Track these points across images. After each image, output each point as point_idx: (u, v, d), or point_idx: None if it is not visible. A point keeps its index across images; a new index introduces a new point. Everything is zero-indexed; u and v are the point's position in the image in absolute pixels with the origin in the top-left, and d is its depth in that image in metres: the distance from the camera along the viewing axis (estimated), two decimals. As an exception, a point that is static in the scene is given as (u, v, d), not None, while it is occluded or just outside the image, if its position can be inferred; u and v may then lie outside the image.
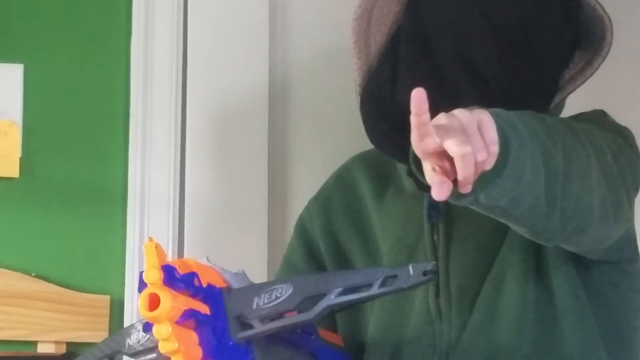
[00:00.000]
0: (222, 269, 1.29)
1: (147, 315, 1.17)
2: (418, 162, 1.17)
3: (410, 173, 1.41)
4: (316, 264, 1.57)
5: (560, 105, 1.49)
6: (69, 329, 1.96)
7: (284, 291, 1.20)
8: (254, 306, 1.21)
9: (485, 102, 1.30)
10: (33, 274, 1.99)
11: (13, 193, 2.01)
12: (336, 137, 2.10)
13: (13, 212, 2.01)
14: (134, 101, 2.05)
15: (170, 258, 2.00)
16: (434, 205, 1.43)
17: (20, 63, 2.04)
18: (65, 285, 1.99)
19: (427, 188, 1.37)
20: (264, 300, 1.21)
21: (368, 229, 1.52)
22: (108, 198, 2.04)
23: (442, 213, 1.43)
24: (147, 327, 1.26)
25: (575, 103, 1.54)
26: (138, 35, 2.07)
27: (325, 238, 1.56)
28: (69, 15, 2.07)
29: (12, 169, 2.01)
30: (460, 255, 1.42)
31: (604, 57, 1.42)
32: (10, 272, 1.98)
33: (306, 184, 2.09)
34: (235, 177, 2.05)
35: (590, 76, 1.43)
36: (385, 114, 1.43)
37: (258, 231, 2.04)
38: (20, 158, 2.02)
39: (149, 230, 2.02)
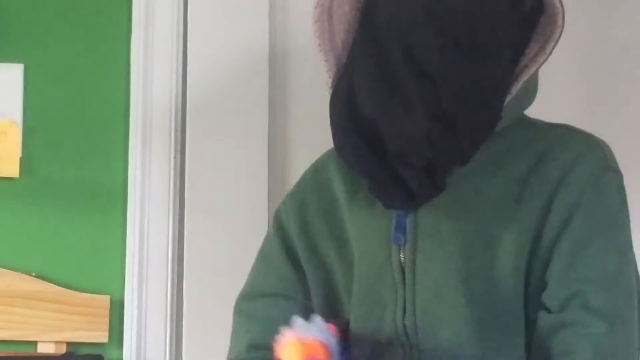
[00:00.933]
0: (325, 337, 1.32)
1: None
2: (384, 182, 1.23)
3: (372, 192, 1.41)
4: (293, 262, 1.55)
5: (526, 93, 1.44)
6: (69, 329, 1.96)
7: None
8: None
9: (433, 102, 1.31)
10: (33, 274, 1.99)
11: (13, 193, 2.01)
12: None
13: (13, 212, 2.01)
14: (134, 101, 2.05)
15: (170, 258, 2.02)
16: (400, 225, 1.41)
17: (20, 63, 2.05)
18: (65, 285, 1.99)
19: (393, 206, 1.39)
20: None
21: (343, 232, 1.50)
22: (108, 198, 2.04)
23: (409, 233, 1.41)
24: None
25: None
26: (138, 35, 2.07)
27: (302, 238, 1.54)
28: (68, 15, 2.07)
29: (12, 169, 2.01)
30: (426, 275, 1.39)
31: (556, 42, 1.38)
32: (10, 272, 1.98)
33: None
34: (235, 177, 2.05)
35: (543, 62, 1.39)
36: (350, 122, 1.40)
37: (258, 231, 2.04)
38: (20, 158, 2.02)
39: (149, 230, 2.02)
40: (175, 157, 2.05)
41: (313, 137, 2.11)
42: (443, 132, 1.32)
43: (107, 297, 1.99)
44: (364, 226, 1.46)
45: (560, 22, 1.37)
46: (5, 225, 2.01)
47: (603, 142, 1.45)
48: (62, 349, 1.96)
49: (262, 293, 1.58)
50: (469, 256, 1.37)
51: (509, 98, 1.38)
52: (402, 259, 1.41)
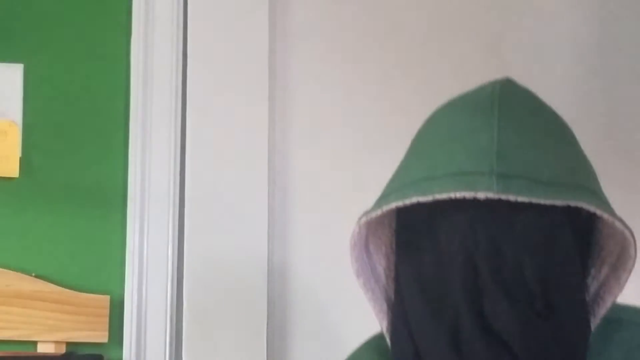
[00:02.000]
0: None
1: None
2: None
3: None
4: None
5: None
6: (69, 329, 1.96)
7: None
8: None
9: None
10: (33, 274, 1.99)
11: (13, 193, 2.01)
12: (337, 135, 2.10)
13: (13, 212, 2.01)
14: (134, 101, 2.05)
15: (170, 258, 2.03)
16: None
17: (20, 63, 2.04)
18: (65, 285, 1.99)
19: None
20: None
21: None
22: (108, 198, 2.04)
23: None
24: None
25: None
26: (138, 35, 2.07)
27: None
28: (69, 16, 2.07)
29: (12, 169, 2.01)
30: None
31: (630, 272, 1.25)
32: (10, 272, 1.98)
33: (306, 184, 2.09)
34: (235, 177, 2.05)
35: (619, 292, 1.25)
36: None
37: (258, 231, 2.04)
38: (20, 158, 2.02)
39: (149, 230, 2.02)
40: (175, 157, 2.05)
41: (313, 138, 2.11)
42: None
43: (107, 297, 1.99)
44: None
45: (632, 253, 1.23)
46: (5, 225, 2.01)
47: None
48: (62, 349, 1.96)
49: None
50: None
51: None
52: None
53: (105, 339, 1.98)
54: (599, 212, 1.19)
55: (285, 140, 2.10)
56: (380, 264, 1.32)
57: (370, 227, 1.30)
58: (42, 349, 1.95)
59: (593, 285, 1.28)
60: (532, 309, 1.18)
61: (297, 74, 2.12)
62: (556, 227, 1.20)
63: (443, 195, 1.17)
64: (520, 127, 1.22)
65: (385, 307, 1.31)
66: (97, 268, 2.02)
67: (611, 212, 1.21)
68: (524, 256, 1.18)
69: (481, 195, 1.16)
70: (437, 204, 1.20)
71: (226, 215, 2.03)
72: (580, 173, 1.23)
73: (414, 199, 1.20)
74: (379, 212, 1.24)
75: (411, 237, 1.26)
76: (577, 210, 1.21)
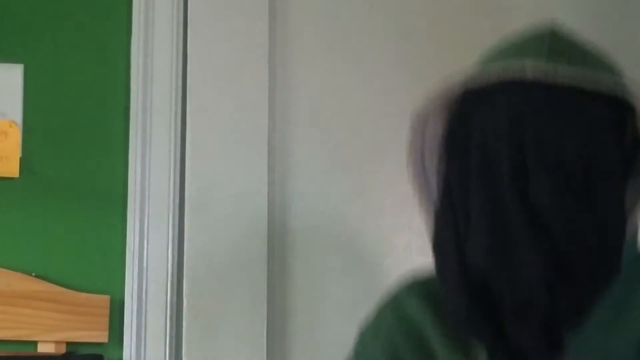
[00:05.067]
0: None
1: None
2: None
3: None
4: None
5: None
6: (69, 329, 1.96)
7: None
8: None
9: (551, 252, 1.21)
10: (33, 274, 1.99)
11: (13, 193, 2.01)
12: (337, 136, 2.10)
13: (13, 212, 2.01)
14: (134, 101, 2.05)
15: (170, 258, 2.02)
16: None
17: (20, 63, 2.04)
18: (65, 285, 1.99)
19: None
20: None
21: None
22: (108, 198, 2.03)
23: None
24: None
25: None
26: (138, 35, 2.07)
27: None
28: (69, 15, 2.07)
29: (12, 169, 2.01)
30: None
31: None
32: (10, 272, 1.98)
33: (306, 183, 2.09)
34: (235, 177, 2.05)
35: None
36: (461, 278, 1.26)
37: (258, 231, 2.04)
38: (20, 158, 2.02)
39: (149, 230, 2.02)
40: (175, 157, 2.05)
41: (314, 138, 2.11)
42: (563, 282, 1.21)
43: (107, 297, 1.99)
44: None
45: None
46: (5, 225, 2.01)
47: None
48: (62, 349, 1.96)
49: None
50: None
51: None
52: None
53: (105, 339, 1.98)
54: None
55: (285, 141, 2.10)
56: (434, 179, 1.36)
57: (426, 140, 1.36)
58: (42, 349, 1.95)
59: (633, 197, 1.29)
60: (573, 193, 1.21)
61: (297, 74, 2.12)
62: (600, 118, 1.24)
63: (492, 78, 1.24)
64: (569, 45, 1.29)
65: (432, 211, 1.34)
66: (97, 268, 2.02)
67: None
68: (567, 140, 1.22)
69: (530, 69, 1.22)
70: (485, 95, 1.26)
71: (226, 216, 2.03)
72: (621, 78, 1.28)
73: (463, 86, 1.27)
74: (429, 104, 1.31)
75: (459, 133, 1.30)
76: (622, 111, 1.26)
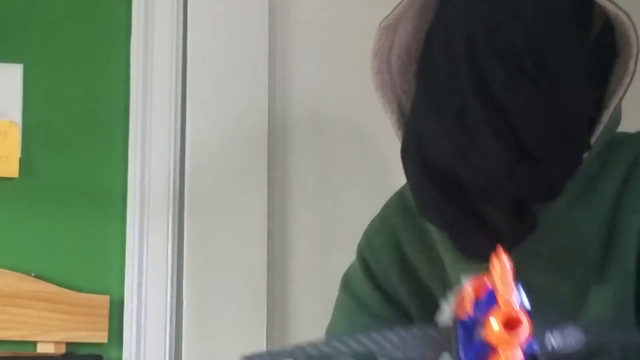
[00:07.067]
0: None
1: (503, 337, 1.04)
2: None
3: (457, 248, 1.30)
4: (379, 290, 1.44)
5: (613, 119, 1.31)
6: (69, 329, 1.96)
7: (574, 334, 1.10)
8: (549, 347, 1.10)
9: (509, 134, 1.21)
10: (33, 274, 1.99)
11: (13, 193, 2.01)
12: (337, 136, 2.10)
13: (13, 212, 2.01)
14: (134, 101, 2.05)
15: (170, 258, 2.02)
16: None
17: (20, 63, 2.04)
18: (65, 285, 1.99)
19: (481, 258, 1.20)
20: (557, 343, 1.10)
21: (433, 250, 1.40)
22: (108, 198, 2.04)
23: None
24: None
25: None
26: (138, 35, 2.07)
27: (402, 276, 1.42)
28: (69, 15, 2.07)
29: (12, 169, 2.01)
30: None
31: (636, 58, 1.26)
32: (10, 272, 1.98)
33: (306, 183, 2.09)
34: (235, 177, 2.05)
35: (629, 83, 1.27)
36: (425, 174, 1.28)
37: (258, 231, 2.04)
38: (20, 158, 2.02)
39: (149, 230, 2.02)
40: (175, 157, 2.05)
41: (313, 137, 2.11)
42: (524, 164, 1.22)
43: (106, 297, 1.99)
44: (461, 273, 1.32)
45: (633, 36, 1.26)
46: (5, 225, 2.01)
47: None
48: (62, 349, 1.96)
49: None
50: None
51: (600, 127, 1.28)
52: None
53: (105, 339, 1.98)
54: None
55: (286, 138, 2.10)
56: (402, 87, 1.39)
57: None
58: (42, 349, 1.96)
59: (611, 86, 1.29)
60: (527, 76, 1.22)
61: (297, 73, 2.12)
62: (557, 5, 1.25)
63: None
64: None
65: (401, 120, 1.37)
66: (97, 268, 2.02)
67: None
68: (518, 27, 1.23)
69: None
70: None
71: (226, 216, 2.03)
72: None
73: None
74: (395, 11, 1.33)
75: (427, 35, 1.33)
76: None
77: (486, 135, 1.22)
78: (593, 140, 1.27)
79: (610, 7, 1.25)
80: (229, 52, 2.08)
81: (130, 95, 2.06)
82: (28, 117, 2.04)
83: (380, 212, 1.47)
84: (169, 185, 2.04)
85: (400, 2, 1.33)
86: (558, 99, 1.23)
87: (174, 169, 2.05)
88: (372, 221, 1.47)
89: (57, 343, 1.96)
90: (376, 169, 2.09)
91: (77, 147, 2.04)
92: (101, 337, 1.98)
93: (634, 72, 1.27)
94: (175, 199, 2.04)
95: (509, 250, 1.17)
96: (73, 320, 1.96)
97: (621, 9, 1.25)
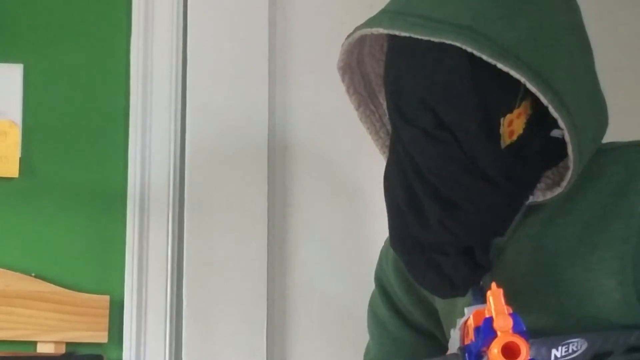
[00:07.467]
0: None
1: None
2: None
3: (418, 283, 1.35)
4: (395, 310, 1.48)
5: (594, 141, 1.31)
6: (68, 329, 1.96)
7: (579, 346, 1.18)
8: (552, 358, 1.18)
9: (432, 191, 1.26)
10: (33, 274, 1.99)
11: (13, 193, 2.01)
12: (337, 136, 2.10)
13: (13, 212, 2.01)
14: (134, 101, 2.05)
15: (170, 258, 2.02)
16: (478, 298, 1.30)
17: (20, 63, 2.05)
18: (65, 285, 1.99)
19: (441, 295, 1.32)
20: (561, 353, 1.18)
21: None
22: (108, 198, 2.04)
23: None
24: None
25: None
26: (138, 35, 2.07)
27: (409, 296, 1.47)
28: (69, 16, 2.07)
29: (12, 169, 2.01)
30: None
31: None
32: (10, 272, 1.98)
33: (306, 183, 2.09)
34: (235, 177, 2.05)
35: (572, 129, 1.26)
36: (394, 211, 1.32)
37: (258, 231, 2.04)
38: (20, 158, 2.02)
39: (149, 230, 2.02)
40: (175, 157, 2.05)
41: (313, 137, 2.11)
42: (446, 215, 1.25)
43: (106, 297, 1.99)
44: (445, 308, 1.39)
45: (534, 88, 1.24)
46: (5, 225, 2.01)
47: None
48: (62, 349, 1.96)
49: None
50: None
51: (572, 156, 1.25)
52: None
53: (105, 339, 1.98)
54: (470, 49, 1.21)
55: (286, 138, 2.10)
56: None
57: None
58: (42, 349, 1.96)
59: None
60: (428, 133, 1.25)
61: (297, 74, 2.12)
62: (454, 68, 1.25)
63: (363, 32, 1.36)
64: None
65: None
66: (97, 268, 2.02)
67: (493, 54, 1.21)
68: (417, 88, 1.26)
69: (375, 31, 1.31)
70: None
71: (226, 216, 2.03)
72: (484, 17, 1.24)
73: (357, 33, 1.38)
74: (350, 39, 1.40)
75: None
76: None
77: (420, 193, 1.27)
78: (572, 164, 1.26)
79: (500, 66, 1.22)
80: (229, 52, 2.08)
81: (130, 95, 2.06)
82: (28, 117, 2.04)
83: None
84: (169, 185, 2.04)
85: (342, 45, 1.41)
86: (456, 149, 1.25)
87: (174, 169, 2.05)
88: (384, 243, 1.50)
89: (57, 343, 1.96)
90: (376, 169, 2.08)
91: (77, 147, 2.05)
92: (101, 337, 1.98)
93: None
94: (175, 199, 2.04)
95: (464, 293, 1.27)
96: (73, 320, 1.96)
97: (516, 68, 1.22)
